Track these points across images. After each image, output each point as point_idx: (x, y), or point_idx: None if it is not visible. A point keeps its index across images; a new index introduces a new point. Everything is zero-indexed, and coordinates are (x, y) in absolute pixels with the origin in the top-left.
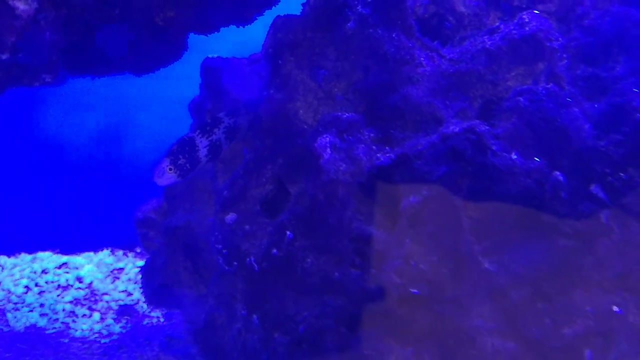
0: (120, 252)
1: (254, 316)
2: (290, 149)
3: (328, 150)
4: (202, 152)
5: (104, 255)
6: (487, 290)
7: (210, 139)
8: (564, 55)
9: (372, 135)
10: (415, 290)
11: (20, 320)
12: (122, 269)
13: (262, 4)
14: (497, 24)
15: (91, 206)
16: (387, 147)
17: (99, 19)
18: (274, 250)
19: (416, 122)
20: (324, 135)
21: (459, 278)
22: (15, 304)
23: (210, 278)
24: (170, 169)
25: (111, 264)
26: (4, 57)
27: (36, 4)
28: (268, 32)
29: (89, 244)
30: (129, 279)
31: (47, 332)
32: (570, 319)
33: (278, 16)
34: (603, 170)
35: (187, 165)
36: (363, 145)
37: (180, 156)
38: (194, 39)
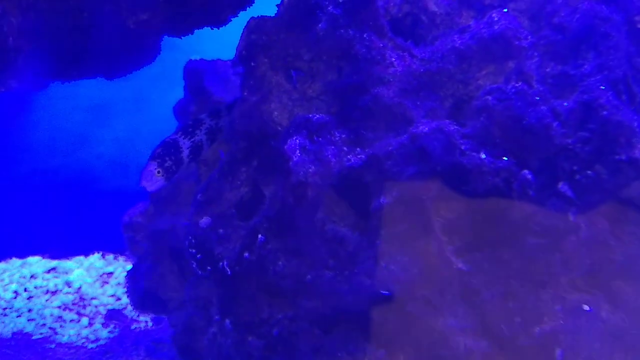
0: (111, 256)
1: (227, 320)
2: (265, 151)
3: (297, 152)
4: (185, 153)
5: (95, 259)
6: (459, 290)
7: (192, 140)
8: (535, 54)
9: (343, 136)
10: (385, 292)
11: (7, 325)
12: (111, 273)
13: (235, 5)
14: (470, 22)
15: (82, 210)
16: (358, 148)
17: (68, 23)
18: (246, 254)
19: (387, 122)
20: (294, 137)
21: (430, 278)
22: (4, 309)
23: (188, 282)
24: (158, 172)
25: (101, 268)
26: None
27: None
28: (242, 33)
29: (79, 247)
30: (118, 283)
31: (33, 337)
32: (539, 318)
33: (252, 17)
34: (571, 168)
35: (173, 167)
36: (333, 147)
37: (167, 158)
38: (180, 40)
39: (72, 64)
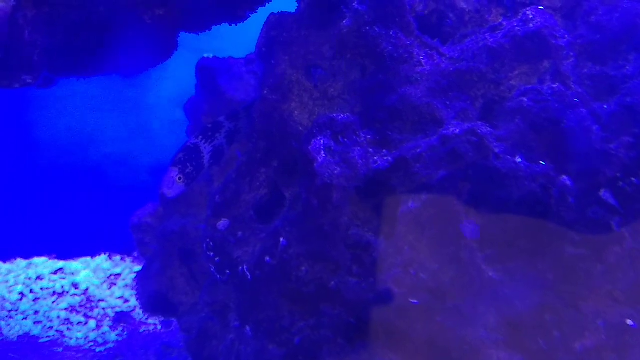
0: (118, 257)
1: (247, 327)
2: (285, 152)
3: (322, 153)
4: (206, 158)
5: (101, 260)
6: (491, 300)
7: (213, 144)
8: (571, 53)
9: (368, 137)
10: (414, 300)
11: (13, 328)
12: (119, 274)
13: (254, 1)
14: (499, 20)
15: (88, 210)
16: (384, 150)
17: (83, 18)
18: (267, 258)
19: (415, 123)
20: (318, 138)
21: (461, 287)
22: (9, 311)
23: (203, 286)
24: (179, 179)
25: (108, 270)
26: None
27: (13, 2)
28: (261, 30)
29: (86, 248)
30: (126, 285)
31: (40, 340)
32: (580, 332)
33: (272, 13)
34: (613, 175)
35: (194, 173)
36: (359, 148)
37: (188, 164)
38: (190, 38)
39: (87, 60)
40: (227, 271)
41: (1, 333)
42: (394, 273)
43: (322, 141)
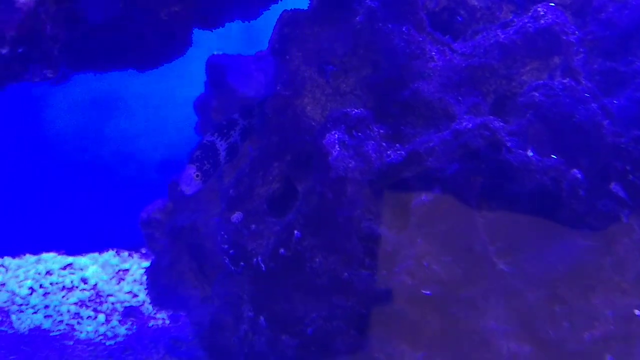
0: (126, 253)
1: (261, 317)
2: (298, 146)
3: (337, 147)
4: (222, 155)
5: (109, 256)
6: (502, 292)
7: (228, 141)
8: (581, 49)
9: (381, 131)
10: (427, 292)
11: (24, 322)
12: (127, 269)
13: None
14: (510, 17)
15: (96, 206)
16: (397, 144)
17: (102, 13)
18: (282, 250)
19: (427, 118)
20: (333, 132)
21: (472, 279)
22: (20, 305)
23: (216, 278)
24: (197, 176)
25: (116, 265)
26: (4, 51)
27: None
28: (274, 27)
29: (94, 244)
30: (135, 280)
31: (51, 334)
32: (589, 323)
33: (285, 11)
34: (623, 168)
35: (211, 170)
36: (373, 142)
37: (205, 162)
38: (200, 36)
39: (104, 55)
40: (242, 263)
41: (12, 326)
42: (407, 265)
43: (336, 135)
